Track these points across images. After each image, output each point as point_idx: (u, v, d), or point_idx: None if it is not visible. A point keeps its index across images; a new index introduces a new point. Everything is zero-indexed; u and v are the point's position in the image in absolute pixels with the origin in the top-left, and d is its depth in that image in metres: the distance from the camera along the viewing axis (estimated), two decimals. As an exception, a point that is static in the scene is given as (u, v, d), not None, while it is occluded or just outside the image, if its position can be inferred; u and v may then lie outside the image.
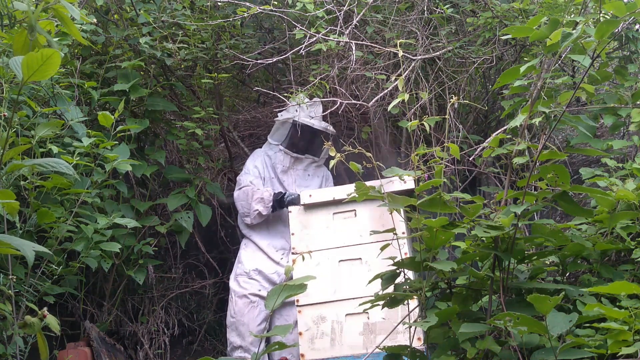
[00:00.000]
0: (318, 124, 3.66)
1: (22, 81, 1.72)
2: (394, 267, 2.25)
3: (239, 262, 3.69)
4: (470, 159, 3.26)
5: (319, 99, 3.57)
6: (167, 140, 4.02)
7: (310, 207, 3.17)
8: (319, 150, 3.80)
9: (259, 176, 3.74)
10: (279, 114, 3.80)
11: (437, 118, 2.45)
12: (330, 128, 3.75)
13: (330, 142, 2.34)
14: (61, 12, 1.86)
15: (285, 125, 3.74)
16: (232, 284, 3.64)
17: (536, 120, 2.04)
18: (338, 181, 3.94)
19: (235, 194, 3.72)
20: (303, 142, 3.74)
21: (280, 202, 3.60)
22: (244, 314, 3.53)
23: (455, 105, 3.39)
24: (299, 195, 3.48)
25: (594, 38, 1.97)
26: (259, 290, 3.56)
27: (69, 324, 3.58)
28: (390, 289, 2.25)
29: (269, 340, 3.55)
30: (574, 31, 1.92)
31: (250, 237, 3.72)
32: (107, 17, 3.90)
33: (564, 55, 2.43)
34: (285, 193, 3.61)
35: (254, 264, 3.61)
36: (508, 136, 2.46)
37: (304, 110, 3.64)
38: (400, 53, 2.37)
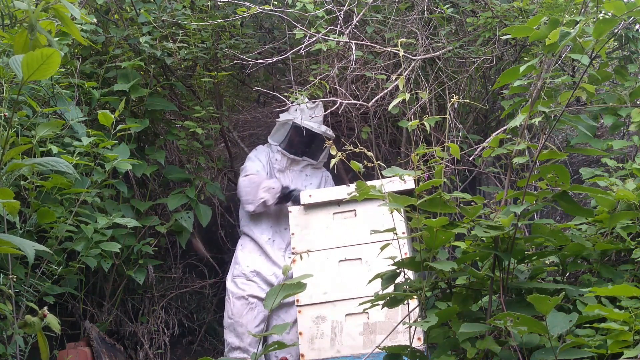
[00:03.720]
0: (317, 127, 3.63)
1: (22, 80, 1.72)
2: (394, 267, 2.25)
3: (236, 263, 3.65)
4: (470, 159, 3.27)
5: (320, 101, 3.55)
6: (167, 140, 4.02)
7: (310, 207, 3.17)
8: (317, 153, 3.77)
9: (263, 169, 3.70)
10: (280, 115, 3.78)
11: (437, 118, 2.45)
12: (330, 132, 3.73)
13: (331, 142, 2.34)
14: (61, 11, 1.86)
15: (285, 126, 3.72)
16: (230, 285, 3.61)
17: (536, 120, 2.04)
18: (338, 182, 3.94)
19: (241, 180, 3.63)
20: (301, 144, 3.71)
21: (287, 197, 3.55)
22: (242, 315, 3.51)
23: (455, 105, 3.39)
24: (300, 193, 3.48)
25: (592, 37, 1.97)
26: (257, 291, 3.53)
27: (69, 324, 3.58)
28: (390, 289, 2.25)
29: (266, 341, 3.54)
30: (572, 30, 1.92)
31: (249, 234, 3.67)
32: (107, 17, 3.90)
33: (564, 55, 2.43)
34: (295, 189, 3.56)
35: (251, 265, 3.59)
36: (508, 136, 2.46)
37: (305, 112, 3.62)
38: (401, 52, 2.37)
